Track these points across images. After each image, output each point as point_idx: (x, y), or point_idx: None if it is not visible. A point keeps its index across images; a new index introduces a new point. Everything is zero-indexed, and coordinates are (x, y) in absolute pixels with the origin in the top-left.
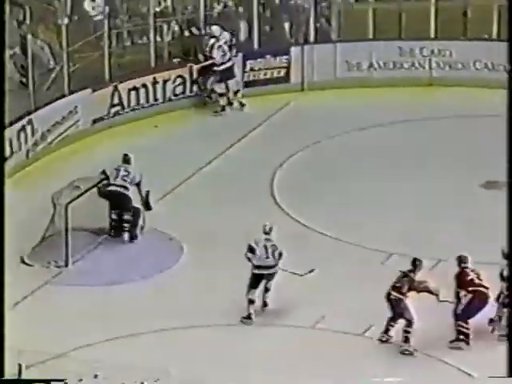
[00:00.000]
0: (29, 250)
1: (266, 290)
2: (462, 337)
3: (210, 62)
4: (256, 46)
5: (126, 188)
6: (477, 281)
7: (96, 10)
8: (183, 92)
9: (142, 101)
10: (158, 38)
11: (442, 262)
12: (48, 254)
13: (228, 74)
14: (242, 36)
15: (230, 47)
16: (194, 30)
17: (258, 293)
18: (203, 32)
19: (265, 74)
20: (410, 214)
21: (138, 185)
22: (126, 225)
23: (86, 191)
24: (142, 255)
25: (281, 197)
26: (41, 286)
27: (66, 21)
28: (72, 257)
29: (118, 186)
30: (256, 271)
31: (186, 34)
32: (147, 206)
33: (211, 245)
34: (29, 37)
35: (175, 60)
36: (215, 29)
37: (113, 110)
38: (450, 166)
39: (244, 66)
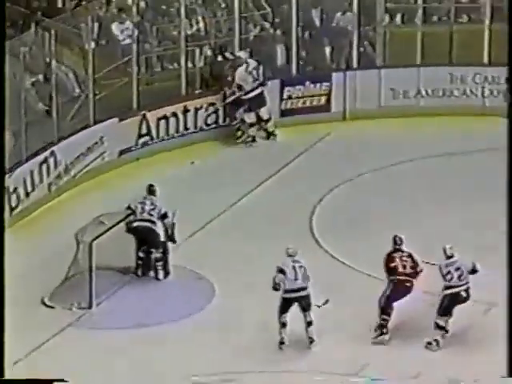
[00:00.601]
0: (51, 290)
1: (308, 324)
2: (384, 330)
3: (235, 89)
4: (294, 71)
5: (153, 223)
6: (400, 269)
7: (124, 34)
8: (216, 121)
9: (172, 131)
10: (190, 64)
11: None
12: (71, 295)
13: (259, 101)
14: (279, 61)
15: (258, 73)
16: (227, 54)
17: (289, 317)
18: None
19: (303, 102)
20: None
21: (163, 217)
22: (158, 263)
23: (112, 227)
24: (171, 296)
25: (320, 234)
26: (63, 329)
27: (92, 45)
28: (96, 298)
29: (145, 220)
30: (286, 295)
31: (220, 59)
32: (172, 239)
33: (245, 285)
34: (53, 62)
35: (197, 92)
36: (243, 54)
37: (141, 141)
38: (501, 200)
39: (281, 93)
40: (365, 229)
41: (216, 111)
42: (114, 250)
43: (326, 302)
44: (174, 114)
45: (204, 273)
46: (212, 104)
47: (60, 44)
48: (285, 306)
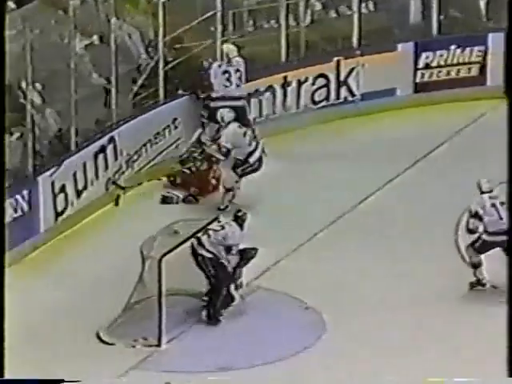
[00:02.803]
0: (108, 322)
1: None
2: None
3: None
4: (435, 31)
5: (199, 243)
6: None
7: None
8: (327, 98)
9: (267, 111)
10: (292, 21)
11: None
12: (134, 329)
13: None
14: (413, 17)
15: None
16: (343, 8)
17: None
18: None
19: (447, 73)
20: None
21: (228, 250)
22: (204, 297)
23: (188, 239)
24: (265, 331)
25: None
26: (125, 374)
27: None
28: (167, 332)
29: (195, 236)
30: (487, 238)
31: (333, 15)
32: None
33: (366, 313)
34: (112, 20)
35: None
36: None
37: None
38: None
39: (416, 60)
40: None
41: (327, 84)
42: (191, 269)
43: None
44: (270, 89)
45: (310, 300)
46: (321, 75)
47: None
48: (483, 248)
